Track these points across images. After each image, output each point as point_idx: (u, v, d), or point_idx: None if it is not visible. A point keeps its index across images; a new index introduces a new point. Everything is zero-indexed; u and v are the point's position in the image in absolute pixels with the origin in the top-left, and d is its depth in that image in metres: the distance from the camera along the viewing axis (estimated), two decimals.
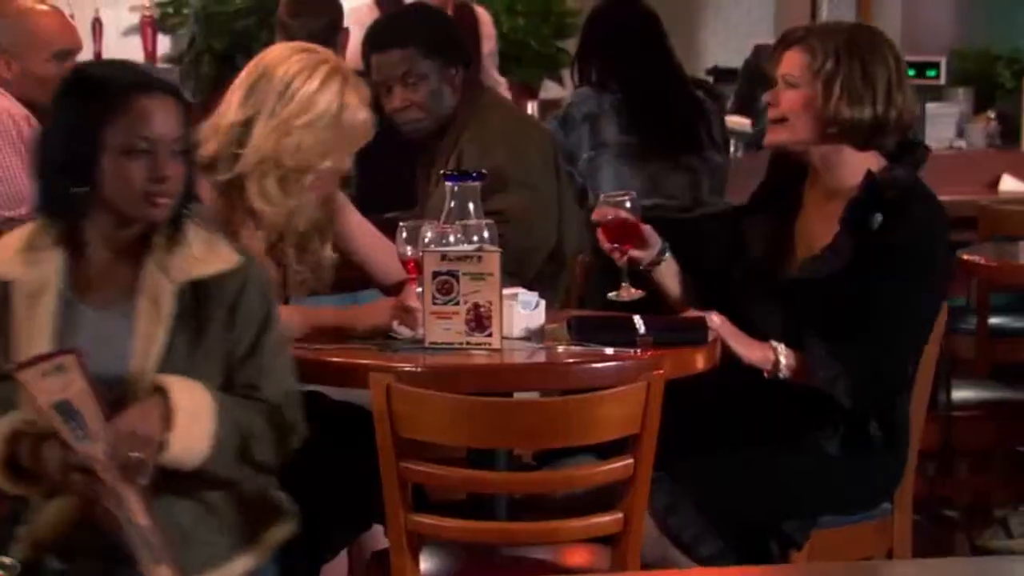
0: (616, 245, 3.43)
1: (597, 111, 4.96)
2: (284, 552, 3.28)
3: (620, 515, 2.96)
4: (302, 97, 3.34)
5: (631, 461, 2.95)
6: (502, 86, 6.06)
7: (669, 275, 3.51)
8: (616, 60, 5.03)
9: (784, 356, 3.31)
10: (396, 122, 4.13)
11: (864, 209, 3.35)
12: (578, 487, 3.13)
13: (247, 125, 3.35)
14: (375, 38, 4.18)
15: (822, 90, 3.35)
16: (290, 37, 4.75)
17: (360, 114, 3.37)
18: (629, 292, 3.45)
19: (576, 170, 4.94)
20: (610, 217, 3.42)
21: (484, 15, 6.20)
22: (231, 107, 3.38)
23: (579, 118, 4.97)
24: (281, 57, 3.40)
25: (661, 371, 2.96)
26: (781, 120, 3.42)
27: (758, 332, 3.38)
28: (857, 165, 3.39)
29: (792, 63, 3.40)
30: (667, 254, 3.50)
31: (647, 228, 3.47)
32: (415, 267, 3.26)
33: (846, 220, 3.36)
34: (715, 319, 3.30)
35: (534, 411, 2.98)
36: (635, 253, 3.45)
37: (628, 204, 3.43)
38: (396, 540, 2.94)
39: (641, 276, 3.50)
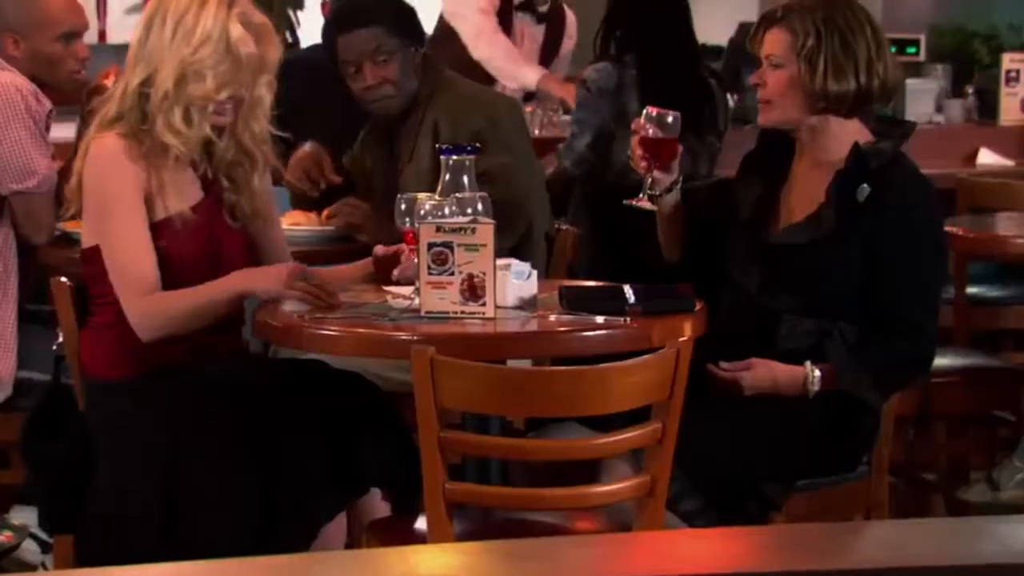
0: (647, 156, 3.44)
1: (623, 82, 4.96)
2: (281, 514, 3.30)
3: (648, 478, 3.00)
4: (194, 32, 3.38)
5: (659, 425, 2.98)
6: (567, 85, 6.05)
7: (672, 207, 3.53)
8: (641, 37, 5.03)
9: (816, 385, 3.35)
10: (366, 101, 4.13)
11: (850, 180, 3.38)
12: (609, 453, 3.15)
13: (151, 66, 3.40)
14: (340, 19, 4.18)
15: (806, 68, 3.39)
16: None
17: (250, 45, 3.40)
18: (645, 203, 3.49)
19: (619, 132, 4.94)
20: (651, 131, 3.43)
21: (571, 16, 6.22)
22: (131, 49, 3.46)
23: (611, 89, 4.96)
24: None
25: (688, 338, 3.00)
26: (769, 101, 3.45)
27: (737, 290, 3.44)
28: (844, 137, 3.42)
29: (774, 44, 3.43)
30: (678, 186, 3.51)
31: (680, 150, 3.49)
32: (412, 238, 3.27)
33: (833, 191, 3.39)
34: (747, 379, 3.34)
35: (573, 379, 2.99)
36: (658, 173, 3.47)
37: (670, 120, 3.44)
38: (434, 507, 2.96)
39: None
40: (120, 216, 3.37)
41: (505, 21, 5.95)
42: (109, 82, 4.30)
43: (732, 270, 3.51)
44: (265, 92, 3.47)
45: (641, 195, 3.49)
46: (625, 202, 3.51)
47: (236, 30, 3.39)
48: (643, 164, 3.46)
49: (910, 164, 3.45)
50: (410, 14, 4.24)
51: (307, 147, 4.26)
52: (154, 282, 3.36)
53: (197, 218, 3.44)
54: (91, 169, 3.41)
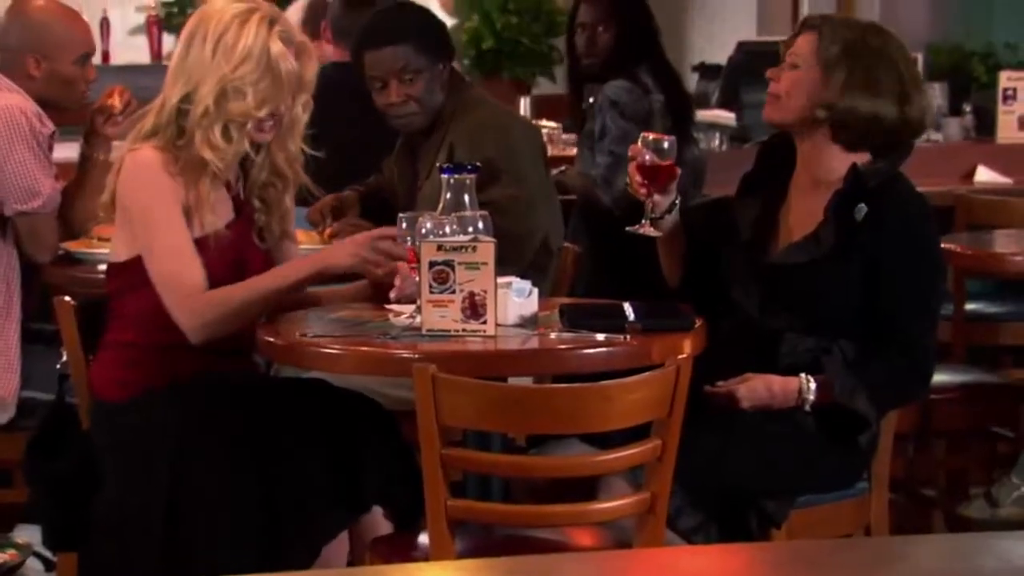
0: (647, 183, 3.43)
1: (652, 110, 4.98)
2: (284, 532, 3.29)
3: (648, 495, 2.99)
4: (235, 49, 3.38)
5: (659, 443, 2.98)
6: None
7: (672, 228, 3.51)
8: (649, 50, 5.06)
9: (812, 395, 3.34)
10: (389, 116, 4.14)
11: (848, 200, 3.37)
12: (610, 470, 3.14)
13: (191, 82, 3.39)
14: (369, 35, 4.18)
15: (821, 74, 3.38)
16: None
17: (290, 62, 3.40)
18: (648, 229, 3.47)
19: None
20: (648, 157, 3.41)
21: None
22: (172, 66, 3.45)
23: (642, 113, 4.98)
24: (214, 10, 3.44)
25: (687, 355, 3.00)
26: (777, 97, 3.44)
27: (738, 310, 3.42)
28: (844, 158, 3.41)
29: (801, 46, 3.43)
30: (676, 207, 3.50)
31: (679, 173, 3.48)
32: (414, 256, 3.26)
33: (831, 210, 3.37)
34: (742, 391, 3.33)
35: (574, 397, 2.99)
36: (658, 197, 3.45)
37: (666, 146, 3.42)
38: (436, 524, 2.95)
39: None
40: (163, 222, 3.36)
41: None
42: (113, 101, 4.31)
43: (733, 290, 3.49)
44: (301, 112, 3.46)
45: (644, 221, 3.47)
46: (628, 229, 3.49)
47: (276, 47, 3.39)
48: (643, 190, 3.44)
49: (907, 183, 3.45)
50: (439, 31, 4.25)
51: (345, 193, 4.29)
52: (204, 283, 3.34)
53: (230, 236, 3.44)
54: (129, 181, 3.40)
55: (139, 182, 3.39)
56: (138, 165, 3.40)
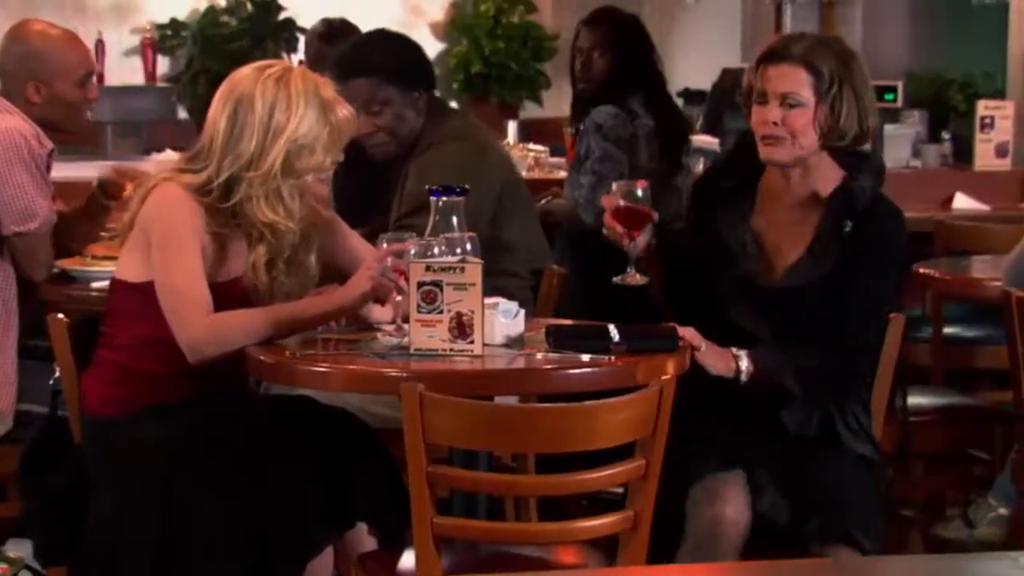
0: (626, 230, 3.39)
1: (637, 134, 4.97)
2: (271, 548, 3.28)
3: (631, 513, 2.98)
4: (289, 109, 3.36)
5: (643, 462, 2.97)
6: None
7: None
8: (646, 74, 5.05)
9: (744, 362, 3.34)
10: (365, 145, 4.13)
11: (838, 217, 3.37)
12: (596, 489, 3.13)
13: (251, 154, 3.36)
14: (339, 68, 4.16)
15: (828, 110, 3.34)
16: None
17: (343, 110, 3.41)
18: (635, 277, 3.43)
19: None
20: (622, 203, 3.38)
21: None
22: (220, 139, 3.39)
23: (627, 138, 4.97)
24: (247, 77, 3.41)
25: (671, 376, 2.99)
26: (781, 138, 3.36)
27: (750, 341, 3.38)
28: (827, 172, 3.40)
29: (793, 82, 3.34)
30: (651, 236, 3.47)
31: (655, 217, 3.45)
32: (405, 276, 3.25)
33: (826, 228, 3.37)
34: (687, 335, 3.29)
35: (560, 416, 2.98)
36: (640, 240, 3.41)
37: (640, 192, 3.39)
38: (422, 541, 2.93)
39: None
40: (183, 245, 3.33)
41: None
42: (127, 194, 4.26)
43: (730, 312, 3.42)
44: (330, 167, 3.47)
45: (629, 269, 3.40)
46: (615, 280, 3.41)
47: (327, 93, 3.40)
48: (624, 239, 3.39)
49: (888, 200, 3.46)
50: (411, 61, 4.20)
51: None
52: (211, 304, 3.32)
53: (244, 285, 3.42)
54: (156, 208, 3.37)
55: (166, 210, 3.36)
56: (169, 195, 3.37)
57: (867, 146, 3.48)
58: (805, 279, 3.37)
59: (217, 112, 3.41)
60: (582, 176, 5.06)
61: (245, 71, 3.44)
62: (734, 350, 3.35)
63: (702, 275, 3.46)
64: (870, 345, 3.43)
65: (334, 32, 6.04)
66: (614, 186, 3.43)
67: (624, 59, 5.11)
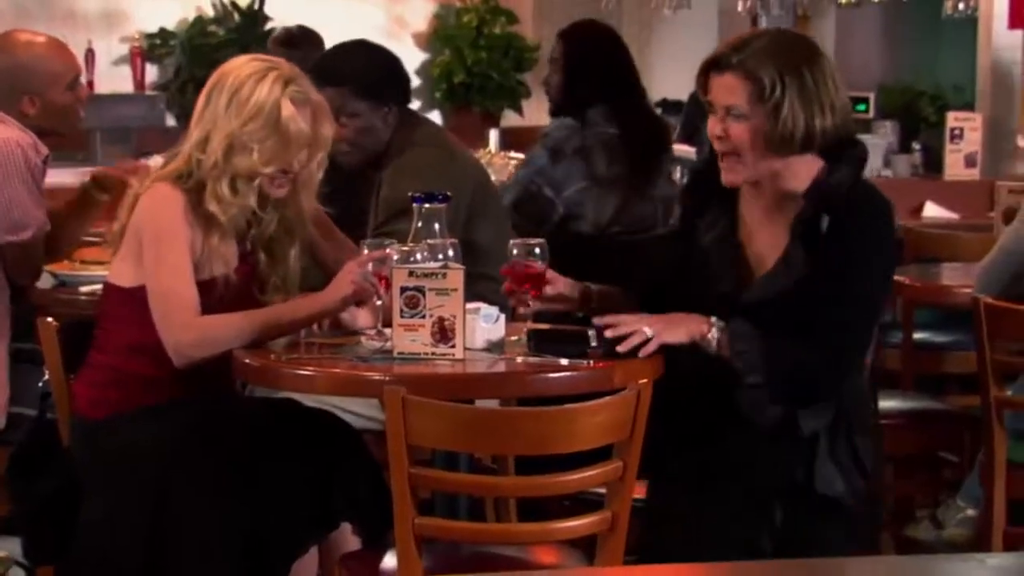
0: (517, 291, 3.28)
1: (586, 144, 4.95)
2: (256, 549, 3.28)
3: (609, 514, 2.98)
4: (246, 105, 3.35)
5: (620, 464, 2.97)
6: None
7: (614, 306, 3.34)
8: (604, 87, 5.01)
9: (716, 332, 3.16)
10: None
11: (813, 216, 3.17)
12: (575, 490, 3.12)
13: (205, 133, 3.38)
14: (315, 74, 4.14)
15: (771, 116, 3.12)
16: None
17: (300, 123, 3.36)
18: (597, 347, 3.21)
19: (560, 198, 4.93)
20: (516, 265, 3.27)
21: None
22: (194, 116, 3.43)
23: (569, 152, 4.95)
24: (234, 65, 3.42)
25: (647, 380, 2.98)
26: (732, 153, 3.18)
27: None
28: (802, 172, 3.19)
29: (732, 93, 3.15)
30: (592, 303, 3.34)
31: (560, 279, 3.30)
32: (386, 283, 3.25)
33: (796, 231, 3.17)
34: (647, 330, 3.15)
35: (539, 419, 2.98)
36: (541, 304, 3.27)
37: (538, 251, 3.31)
38: (404, 541, 2.93)
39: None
40: (173, 246, 3.32)
41: None
42: (123, 174, 4.27)
43: None
44: (316, 169, 3.43)
45: (593, 345, 3.18)
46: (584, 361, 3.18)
47: (287, 108, 3.35)
48: (517, 302, 3.28)
49: (869, 189, 3.23)
50: (382, 76, 4.14)
51: None
52: (198, 305, 3.31)
53: (233, 282, 3.41)
54: (147, 210, 3.36)
55: (156, 211, 3.35)
56: (158, 197, 3.37)
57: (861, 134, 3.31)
58: (780, 287, 3.17)
59: (201, 94, 3.43)
60: (511, 185, 5.04)
61: (236, 60, 3.45)
62: (712, 319, 3.16)
63: (682, 288, 3.33)
64: (855, 343, 3.21)
65: (292, 39, 6.04)
66: (511, 246, 3.31)
67: (580, 73, 5.06)
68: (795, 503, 3.22)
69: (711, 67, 3.21)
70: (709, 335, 3.17)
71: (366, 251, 3.34)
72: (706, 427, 3.27)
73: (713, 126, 3.20)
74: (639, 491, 3.22)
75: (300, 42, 5.99)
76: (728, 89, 3.16)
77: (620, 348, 3.13)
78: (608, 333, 3.15)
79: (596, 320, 3.19)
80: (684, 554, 3.12)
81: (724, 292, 3.24)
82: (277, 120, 3.35)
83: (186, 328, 3.29)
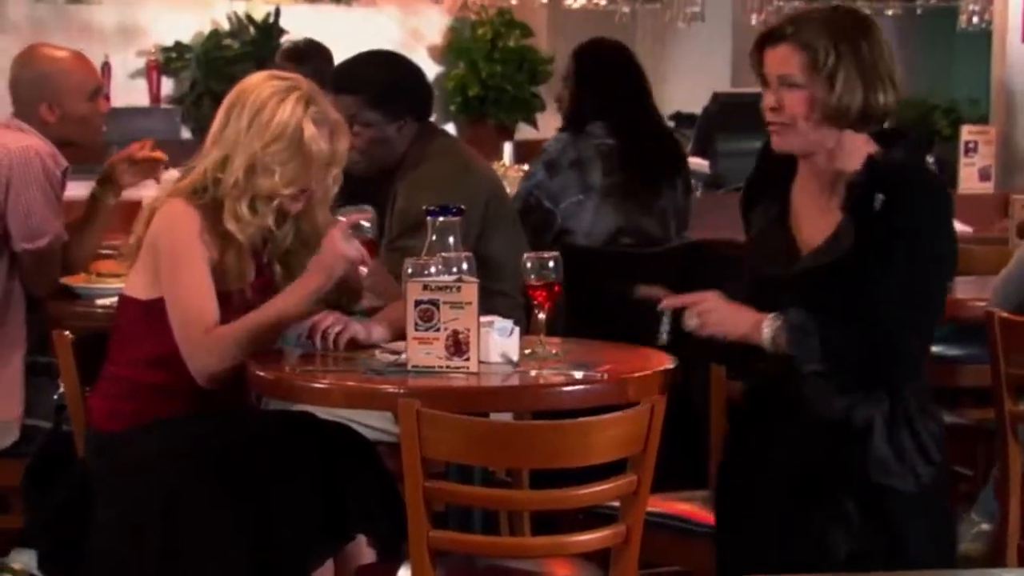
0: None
1: (582, 156, 4.94)
2: (272, 561, 3.27)
3: (623, 527, 2.97)
4: (268, 127, 3.35)
5: (635, 478, 2.96)
6: None
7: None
8: (610, 102, 5.01)
9: (770, 331, 3.11)
10: None
11: (865, 192, 3.09)
12: (589, 503, 3.10)
13: (225, 152, 3.37)
14: (334, 80, 4.14)
15: (826, 86, 3.09)
16: None
17: (321, 144, 3.37)
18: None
19: (558, 210, 4.93)
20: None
21: None
22: (212, 133, 3.42)
23: (565, 164, 4.95)
24: (254, 84, 3.42)
25: (662, 395, 2.98)
26: (787, 124, 3.14)
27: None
28: (856, 151, 3.14)
29: (788, 63, 3.12)
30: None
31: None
32: (369, 247, 3.32)
33: (849, 205, 3.10)
34: (694, 320, 3.13)
35: (553, 433, 2.97)
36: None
37: (551, 265, 3.33)
38: (418, 554, 2.92)
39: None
40: (191, 262, 3.32)
41: None
42: (144, 153, 4.29)
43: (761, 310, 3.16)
44: (332, 184, 3.44)
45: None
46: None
47: (309, 129, 3.35)
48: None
49: (927, 173, 3.19)
50: (399, 88, 4.13)
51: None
52: (218, 320, 3.32)
53: (250, 294, 3.41)
54: (164, 225, 3.36)
55: (173, 226, 3.35)
56: (174, 213, 3.36)
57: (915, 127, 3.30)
58: (830, 258, 3.08)
59: (219, 111, 3.43)
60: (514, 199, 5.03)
61: (255, 77, 3.45)
62: (768, 316, 3.10)
63: (745, 285, 3.27)
64: (908, 324, 3.11)
65: (301, 54, 6.03)
66: (524, 259, 3.35)
67: (588, 89, 5.07)
68: (866, 497, 3.14)
69: (765, 41, 3.18)
70: (764, 335, 3.11)
71: (341, 219, 3.34)
72: (765, 428, 3.20)
73: (767, 98, 3.17)
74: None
75: (310, 56, 5.98)
76: (782, 60, 3.13)
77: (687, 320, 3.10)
78: (665, 303, 3.13)
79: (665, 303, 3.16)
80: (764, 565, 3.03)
81: (774, 275, 3.18)
82: (300, 141, 3.35)
83: (209, 351, 3.29)
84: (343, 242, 3.32)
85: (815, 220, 3.19)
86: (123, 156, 4.33)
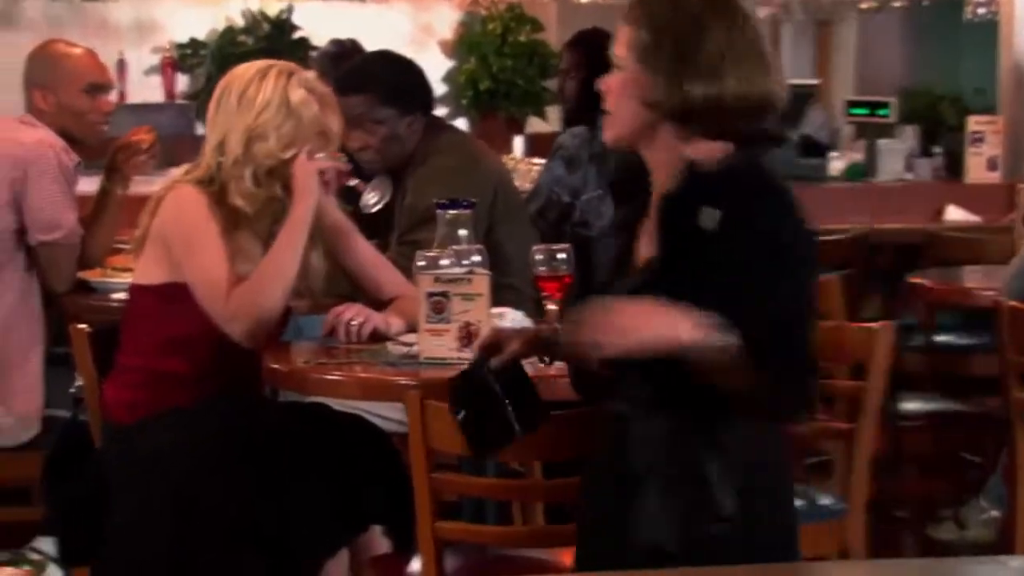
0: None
1: (601, 151, 4.93)
2: (287, 550, 3.27)
3: None
4: (255, 100, 3.41)
5: None
6: None
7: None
8: None
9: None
10: (355, 159, 4.11)
11: (683, 204, 2.52)
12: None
13: (221, 135, 3.42)
14: (340, 82, 4.14)
15: (641, 69, 2.56)
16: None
17: (312, 106, 3.43)
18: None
19: (579, 203, 4.92)
20: None
21: None
22: (207, 126, 3.49)
23: (585, 159, 4.94)
24: (236, 73, 3.49)
25: None
26: (608, 112, 2.63)
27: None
28: (673, 150, 2.57)
29: (618, 42, 2.62)
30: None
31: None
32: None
33: (662, 220, 2.55)
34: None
35: (564, 423, 2.92)
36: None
37: (562, 257, 3.24)
38: (425, 544, 2.92)
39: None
40: (206, 236, 3.35)
41: None
42: (140, 139, 4.30)
43: None
44: (334, 175, 3.46)
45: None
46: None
47: (296, 93, 3.43)
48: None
49: (763, 179, 2.54)
50: (406, 84, 4.15)
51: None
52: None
53: None
54: (172, 212, 3.39)
55: (182, 212, 3.38)
56: (182, 198, 3.40)
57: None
58: (629, 287, 2.54)
59: (210, 105, 3.49)
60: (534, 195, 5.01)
61: (237, 68, 3.52)
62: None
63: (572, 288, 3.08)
64: (801, 362, 2.46)
65: (345, 52, 6.01)
66: (534, 251, 3.28)
67: (596, 79, 5.02)
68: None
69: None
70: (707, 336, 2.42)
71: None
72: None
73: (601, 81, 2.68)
74: None
75: (351, 55, 5.94)
76: (617, 39, 2.64)
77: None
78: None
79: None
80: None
81: (601, 282, 2.66)
82: (288, 105, 3.42)
83: (239, 311, 3.30)
84: (309, 161, 3.38)
85: (649, 232, 2.62)
86: (123, 142, 4.32)
